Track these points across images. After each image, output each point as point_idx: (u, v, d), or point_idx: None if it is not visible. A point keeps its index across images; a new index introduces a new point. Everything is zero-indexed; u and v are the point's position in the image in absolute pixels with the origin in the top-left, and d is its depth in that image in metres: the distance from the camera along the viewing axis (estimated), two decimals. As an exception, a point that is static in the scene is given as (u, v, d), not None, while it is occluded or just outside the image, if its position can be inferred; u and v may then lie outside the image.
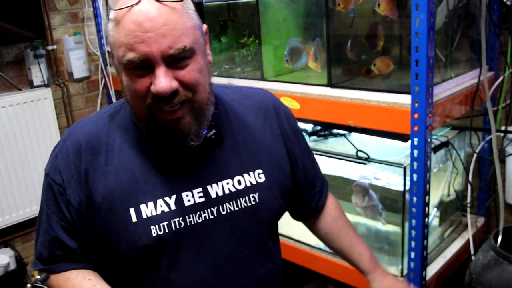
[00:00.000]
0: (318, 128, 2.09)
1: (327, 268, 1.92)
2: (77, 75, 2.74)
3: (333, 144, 1.99)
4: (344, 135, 1.99)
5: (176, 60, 0.85)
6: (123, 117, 0.99)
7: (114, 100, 2.77)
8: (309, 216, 1.23)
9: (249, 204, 1.01)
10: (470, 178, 1.92)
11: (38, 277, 0.94)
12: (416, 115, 1.47)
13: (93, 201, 0.93)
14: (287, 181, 1.09)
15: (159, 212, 0.94)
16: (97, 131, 0.97)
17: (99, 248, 0.96)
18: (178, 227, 0.94)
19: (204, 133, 0.94)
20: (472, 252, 1.86)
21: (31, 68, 2.53)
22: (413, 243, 1.58)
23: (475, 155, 1.89)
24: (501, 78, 1.84)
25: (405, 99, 1.51)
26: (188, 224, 0.95)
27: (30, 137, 2.52)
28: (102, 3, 2.67)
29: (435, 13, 1.45)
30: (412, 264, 1.61)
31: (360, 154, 1.76)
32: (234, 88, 1.12)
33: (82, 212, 0.94)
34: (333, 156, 1.85)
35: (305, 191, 1.17)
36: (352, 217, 1.99)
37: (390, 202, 1.85)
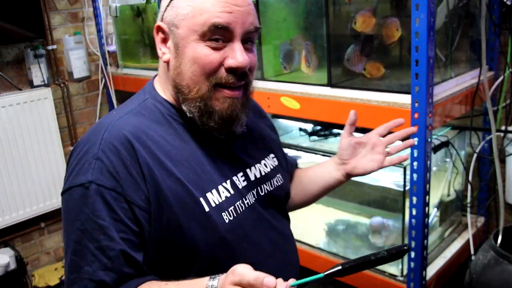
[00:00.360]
0: (318, 128, 2.09)
1: (327, 268, 1.91)
2: (77, 75, 2.74)
3: (333, 144, 1.99)
4: (344, 135, 1.99)
5: (246, 41, 0.90)
6: (152, 112, 0.94)
7: (114, 100, 2.77)
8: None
9: (278, 184, 1.09)
10: (470, 178, 1.92)
11: None
12: (416, 115, 1.47)
13: (161, 196, 0.86)
14: (284, 162, 1.20)
15: (223, 198, 0.94)
16: (136, 125, 0.90)
17: (170, 249, 0.88)
18: (241, 209, 0.96)
19: None
20: (472, 252, 1.86)
21: (31, 68, 2.54)
22: (413, 243, 1.58)
23: (475, 155, 1.89)
24: (501, 78, 1.84)
25: (405, 99, 1.51)
26: (246, 205, 0.98)
27: (30, 137, 2.52)
28: (102, 3, 2.67)
29: (435, 13, 1.45)
30: (412, 264, 1.61)
31: (360, 154, 1.76)
32: None
33: (150, 211, 0.85)
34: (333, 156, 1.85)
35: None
36: (352, 218, 1.99)
37: (390, 202, 1.85)
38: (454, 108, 1.64)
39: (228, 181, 0.96)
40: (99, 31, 2.74)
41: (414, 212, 1.55)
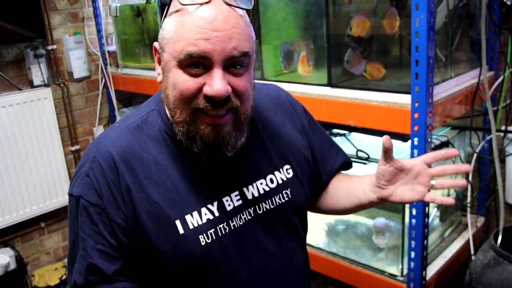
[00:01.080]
0: (318, 128, 2.09)
1: (327, 268, 1.92)
2: (77, 75, 2.74)
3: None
4: (344, 135, 1.99)
5: (233, 65, 0.85)
6: (151, 126, 0.95)
7: (114, 100, 2.77)
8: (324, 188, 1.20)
9: (283, 201, 1.03)
10: (470, 178, 1.92)
11: None
12: (416, 115, 1.47)
13: (137, 218, 0.89)
14: (312, 171, 1.12)
15: (204, 220, 0.92)
16: (128, 144, 0.92)
17: (145, 264, 0.92)
18: (224, 232, 0.94)
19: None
20: (472, 252, 1.86)
21: (31, 68, 2.54)
22: (413, 243, 1.58)
23: (475, 155, 1.89)
24: (501, 78, 1.84)
25: (405, 99, 1.51)
26: (232, 228, 0.95)
27: (30, 137, 2.52)
28: (102, 3, 2.67)
29: (435, 13, 1.45)
30: (412, 264, 1.61)
31: (360, 154, 1.76)
32: None
33: (128, 228, 0.89)
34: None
35: (322, 174, 1.18)
36: (352, 218, 1.99)
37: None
38: (454, 108, 1.64)
39: (215, 203, 0.95)
40: (99, 31, 2.74)
41: (414, 212, 1.56)
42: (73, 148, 2.81)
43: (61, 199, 2.69)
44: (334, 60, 1.77)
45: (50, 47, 2.62)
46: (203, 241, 0.91)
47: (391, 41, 1.75)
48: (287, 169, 1.05)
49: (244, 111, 0.90)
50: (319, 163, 1.15)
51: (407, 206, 1.64)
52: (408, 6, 1.50)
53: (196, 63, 0.83)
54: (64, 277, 2.67)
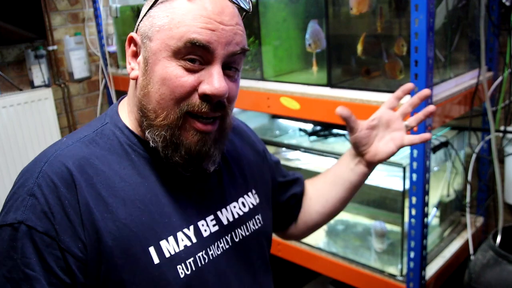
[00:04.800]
0: (318, 128, 2.10)
1: (327, 268, 1.92)
2: (77, 75, 2.74)
3: (333, 144, 2.00)
4: (344, 135, 2.00)
5: (230, 66, 0.78)
6: (108, 140, 0.82)
7: (114, 100, 2.77)
8: (294, 217, 1.16)
9: (256, 227, 0.96)
10: (469, 178, 1.92)
11: None
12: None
13: (101, 246, 0.73)
14: (271, 193, 1.07)
15: (182, 247, 0.80)
16: (85, 156, 0.77)
17: None
18: (203, 262, 0.82)
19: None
20: (471, 251, 1.86)
21: (31, 69, 2.54)
22: (412, 243, 1.59)
23: (474, 155, 1.90)
24: (500, 78, 1.85)
25: (404, 99, 1.51)
26: (211, 257, 0.84)
27: (30, 137, 2.53)
28: (102, 4, 2.68)
29: (435, 13, 1.46)
30: (411, 264, 1.61)
31: (359, 154, 1.76)
32: None
33: (87, 260, 0.73)
34: (333, 156, 1.86)
35: (283, 195, 1.12)
36: (352, 218, 2.00)
37: (390, 202, 1.86)
38: (453, 109, 1.65)
39: (192, 227, 0.82)
40: (99, 31, 2.75)
41: (413, 212, 1.56)
42: (74, 148, 2.81)
43: None
44: (334, 60, 1.77)
45: (50, 48, 2.62)
46: (182, 273, 0.78)
47: (390, 42, 1.75)
48: (254, 193, 0.98)
49: (229, 122, 0.83)
50: (282, 182, 1.11)
51: (406, 206, 1.65)
52: (408, 6, 1.50)
53: (193, 58, 0.74)
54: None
